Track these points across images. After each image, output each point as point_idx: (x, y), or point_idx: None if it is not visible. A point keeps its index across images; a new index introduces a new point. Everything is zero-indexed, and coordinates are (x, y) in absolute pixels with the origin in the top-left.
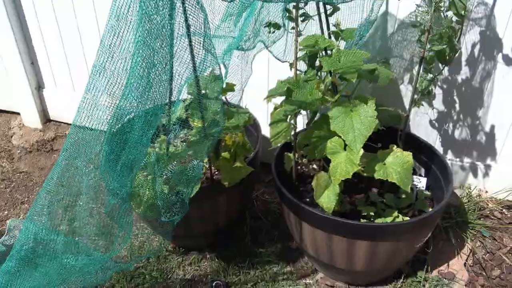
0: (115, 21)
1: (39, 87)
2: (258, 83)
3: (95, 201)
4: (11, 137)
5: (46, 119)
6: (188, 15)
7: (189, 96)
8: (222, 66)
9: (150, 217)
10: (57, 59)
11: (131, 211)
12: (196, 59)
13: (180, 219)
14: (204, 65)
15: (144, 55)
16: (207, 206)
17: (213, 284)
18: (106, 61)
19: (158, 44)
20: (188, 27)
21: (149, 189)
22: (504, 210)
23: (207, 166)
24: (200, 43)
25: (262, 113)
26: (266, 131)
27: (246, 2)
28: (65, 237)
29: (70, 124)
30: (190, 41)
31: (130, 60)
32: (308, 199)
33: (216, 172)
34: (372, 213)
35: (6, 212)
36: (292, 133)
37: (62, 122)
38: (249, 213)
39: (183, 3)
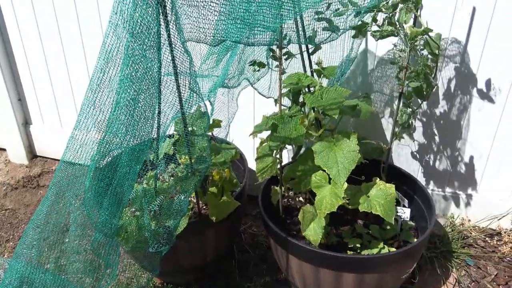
0: (104, 62)
1: (26, 123)
2: (244, 118)
3: (81, 238)
4: None
5: (32, 155)
6: (174, 57)
7: (175, 133)
8: (208, 103)
9: (138, 252)
10: (45, 96)
11: (117, 247)
12: (182, 97)
13: (168, 254)
14: (189, 104)
15: (129, 93)
16: (195, 241)
17: None
18: (95, 99)
19: (144, 84)
20: (175, 68)
21: (137, 225)
22: (487, 238)
23: (194, 201)
24: (185, 84)
25: (248, 146)
26: (252, 164)
27: (229, 46)
28: (51, 275)
29: (57, 160)
30: (177, 83)
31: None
32: (295, 232)
33: (204, 207)
34: (358, 245)
35: None
36: (278, 166)
37: (49, 158)
38: (236, 246)
39: (170, 48)
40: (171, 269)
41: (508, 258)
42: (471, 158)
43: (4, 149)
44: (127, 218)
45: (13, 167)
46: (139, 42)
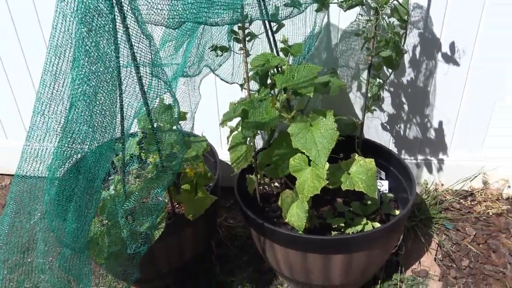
0: (55, 59)
1: None
2: (208, 107)
3: (46, 255)
4: None
5: None
6: (132, 44)
7: (140, 131)
8: (169, 95)
9: (113, 263)
10: None
11: (89, 260)
12: (145, 87)
13: (145, 259)
14: (154, 93)
15: (84, 91)
16: (172, 242)
17: None
18: (48, 102)
19: (101, 78)
20: (133, 56)
21: (109, 235)
22: (461, 200)
23: (167, 201)
24: (147, 72)
25: (215, 136)
26: (222, 155)
27: (189, 29)
28: None
29: (6, 175)
30: (137, 71)
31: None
32: (275, 219)
33: (177, 206)
34: (342, 224)
35: None
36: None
37: None
38: (214, 241)
39: (126, 33)
40: (149, 276)
41: (484, 217)
42: (440, 123)
43: None
44: (97, 229)
45: None
46: (91, 31)
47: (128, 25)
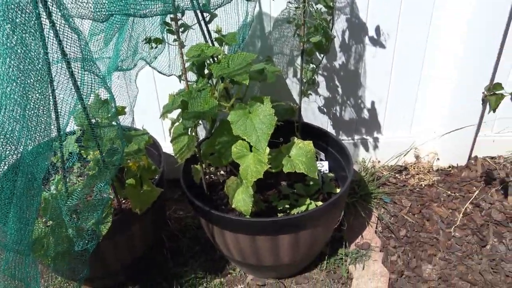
0: None
1: None
2: (148, 100)
3: None
4: None
5: None
6: (61, 40)
7: (78, 129)
8: (105, 90)
9: (61, 263)
10: None
11: (35, 263)
12: (79, 82)
13: (94, 257)
14: (87, 88)
15: (13, 91)
16: (121, 239)
17: None
18: None
19: (30, 76)
20: (62, 51)
21: (53, 235)
22: (397, 175)
23: (112, 197)
24: (78, 68)
25: (158, 129)
26: (166, 147)
27: (118, 22)
28: None
29: None
30: (68, 67)
31: None
32: (223, 207)
33: (124, 201)
34: (287, 206)
35: None
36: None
37: None
38: (165, 234)
39: (53, 29)
40: (99, 274)
41: (417, 189)
42: (373, 103)
43: None
44: (41, 230)
45: None
46: (16, 28)
47: (54, 20)
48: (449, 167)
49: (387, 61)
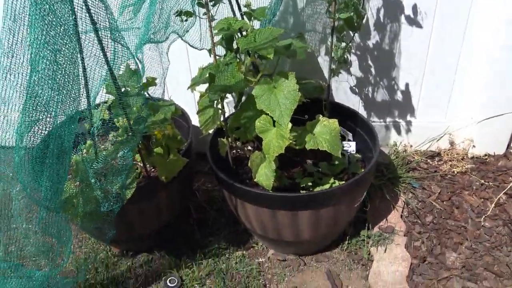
0: (12, 23)
1: None
2: (181, 72)
3: (28, 221)
4: None
5: None
6: (89, 7)
7: (110, 96)
8: (137, 61)
9: (89, 223)
10: None
11: (67, 223)
12: (107, 53)
13: (122, 221)
14: (118, 58)
15: (44, 55)
16: (148, 205)
17: (167, 281)
18: (9, 65)
19: (60, 43)
20: (92, 20)
21: (82, 196)
22: (428, 160)
23: (141, 164)
24: (107, 37)
25: (190, 102)
26: (196, 121)
27: None
28: (4, 263)
29: None
30: (97, 36)
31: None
32: (248, 181)
33: (153, 170)
34: (310, 183)
35: None
36: (222, 118)
37: None
38: (192, 205)
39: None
40: (127, 237)
41: (449, 176)
42: (407, 85)
43: None
44: (71, 191)
45: None
46: None
47: None
48: (485, 155)
49: (424, 41)
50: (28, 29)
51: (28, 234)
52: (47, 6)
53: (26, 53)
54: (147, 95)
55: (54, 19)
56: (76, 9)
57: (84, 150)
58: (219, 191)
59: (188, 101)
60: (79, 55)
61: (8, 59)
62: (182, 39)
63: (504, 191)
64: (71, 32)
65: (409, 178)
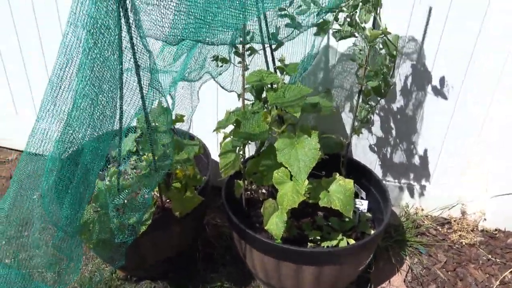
0: (64, 60)
1: None
2: (207, 109)
3: (41, 232)
4: None
5: None
6: (135, 54)
7: (138, 128)
8: (169, 97)
9: (101, 249)
10: None
11: (80, 244)
12: (144, 95)
13: (132, 249)
14: (150, 100)
15: (87, 93)
16: (159, 237)
17: None
18: (56, 95)
19: (104, 83)
20: (137, 67)
21: (99, 222)
22: (438, 227)
23: (157, 194)
24: (146, 81)
25: (212, 137)
26: (216, 155)
27: (188, 45)
28: (15, 270)
29: (13, 150)
30: (139, 81)
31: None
32: (258, 224)
33: (167, 201)
34: (318, 237)
35: None
36: (241, 161)
37: (4, 147)
38: (200, 238)
39: (131, 46)
40: (134, 265)
41: (456, 246)
42: (425, 151)
43: None
44: (89, 215)
45: None
46: (98, 42)
47: (134, 41)
48: (495, 230)
49: (447, 113)
50: (77, 69)
51: (39, 245)
52: (99, 56)
53: (73, 88)
54: (172, 129)
55: (102, 68)
56: (122, 56)
57: (107, 178)
58: (229, 228)
59: (210, 135)
60: (118, 92)
61: (56, 91)
62: (214, 80)
63: (510, 270)
64: (117, 77)
65: (417, 243)
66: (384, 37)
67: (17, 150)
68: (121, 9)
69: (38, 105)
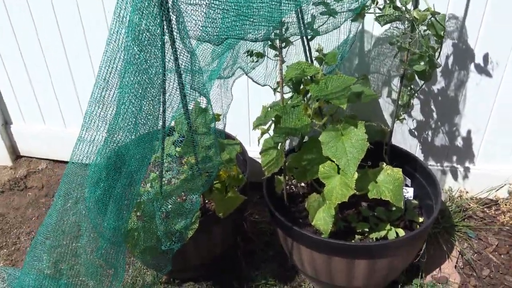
0: (107, 67)
1: (5, 123)
2: (239, 105)
3: (87, 243)
4: None
5: (16, 155)
6: (177, 57)
7: (176, 132)
8: (207, 98)
9: (147, 256)
10: (24, 94)
11: (124, 253)
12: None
13: (177, 253)
14: (190, 96)
15: (130, 100)
16: (203, 239)
17: None
18: (101, 98)
19: (147, 88)
20: (177, 69)
21: (144, 230)
22: (485, 209)
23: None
24: (188, 82)
25: (245, 133)
26: (250, 151)
27: (230, 44)
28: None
29: (42, 159)
30: (180, 83)
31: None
32: (300, 219)
33: (207, 201)
34: (366, 229)
35: None
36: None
37: (33, 157)
38: (240, 235)
39: (173, 50)
40: (177, 268)
41: (507, 227)
42: (469, 132)
43: None
44: (134, 223)
45: None
46: (142, 48)
47: (175, 43)
48: None
49: (491, 91)
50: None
51: (79, 253)
52: (143, 57)
53: (113, 98)
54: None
55: (146, 75)
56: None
57: (148, 184)
58: (269, 223)
59: (245, 132)
60: (161, 97)
61: (99, 102)
62: (247, 75)
63: None
64: (158, 79)
65: (465, 227)
66: (432, 18)
67: (46, 159)
68: (163, 12)
69: (66, 114)
